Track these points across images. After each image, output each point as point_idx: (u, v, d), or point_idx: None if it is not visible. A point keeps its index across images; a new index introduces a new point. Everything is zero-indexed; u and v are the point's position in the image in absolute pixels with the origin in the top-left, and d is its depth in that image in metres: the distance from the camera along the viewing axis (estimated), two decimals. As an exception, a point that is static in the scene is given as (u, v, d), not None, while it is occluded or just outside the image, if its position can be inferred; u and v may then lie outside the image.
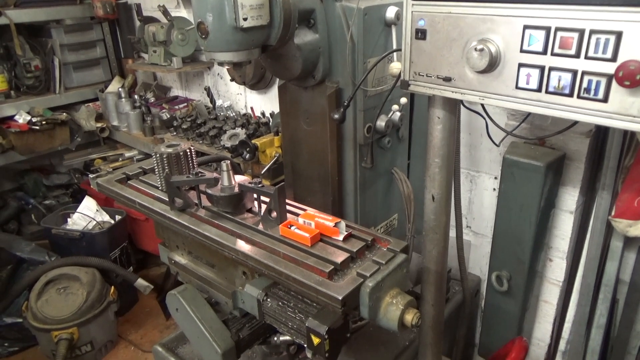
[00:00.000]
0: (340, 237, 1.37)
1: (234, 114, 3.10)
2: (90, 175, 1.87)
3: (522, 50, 1.19)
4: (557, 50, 1.13)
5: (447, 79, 1.37)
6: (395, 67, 1.64)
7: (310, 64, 1.66)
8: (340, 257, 1.29)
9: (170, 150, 1.66)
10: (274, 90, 3.15)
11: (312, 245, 1.34)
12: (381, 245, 1.40)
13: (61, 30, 3.70)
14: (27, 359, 3.08)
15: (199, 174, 1.56)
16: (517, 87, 1.23)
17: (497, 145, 1.91)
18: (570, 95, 1.13)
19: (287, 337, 1.61)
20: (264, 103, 3.19)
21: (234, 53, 1.43)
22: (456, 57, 1.32)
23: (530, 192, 1.82)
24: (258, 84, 3.07)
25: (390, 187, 2.12)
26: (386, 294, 1.26)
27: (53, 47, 3.69)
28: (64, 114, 3.61)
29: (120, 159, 3.72)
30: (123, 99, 3.71)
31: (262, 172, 2.51)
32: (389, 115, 1.88)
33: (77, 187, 4.10)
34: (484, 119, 1.73)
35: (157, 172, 1.69)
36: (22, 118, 3.39)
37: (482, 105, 1.55)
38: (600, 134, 1.82)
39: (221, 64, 1.48)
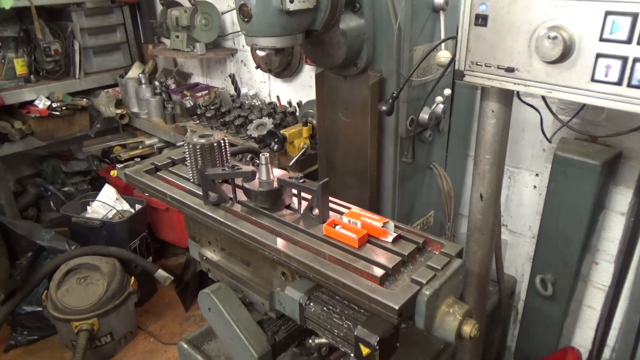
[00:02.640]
0: (389, 239, 1.28)
1: (259, 102, 3.00)
2: (118, 165, 1.78)
3: (601, 39, 1.08)
4: (645, 39, 1.01)
5: (510, 70, 1.26)
6: (443, 55, 1.53)
7: (354, 51, 1.56)
8: (391, 261, 1.19)
9: (203, 140, 1.57)
10: (300, 79, 3.04)
11: (360, 247, 1.25)
12: (433, 249, 1.30)
13: (82, 13, 3.61)
14: (46, 347, 3.05)
15: (235, 167, 1.47)
16: (593, 80, 1.12)
17: (550, 142, 1.79)
18: (660, 89, 1.02)
19: (323, 340, 1.53)
20: (289, 92, 3.09)
21: (278, 38, 1.33)
22: (522, 46, 1.21)
23: (583, 193, 1.71)
24: (284, 71, 2.97)
25: (428, 182, 2.02)
26: (442, 303, 1.16)
27: (73, 31, 3.60)
28: (84, 99, 3.53)
29: (140, 147, 3.65)
30: (143, 85, 3.63)
31: (290, 164, 2.41)
32: (433, 108, 1.78)
33: (95, 174, 4.04)
34: (539, 113, 1.62)
35: (188, 164, 1.60)
36: (42, 103, 3.32)
37: (544, 98, 1.44)
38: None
39: (263, 49, 1.37)
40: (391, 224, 1.30)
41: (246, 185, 1.43)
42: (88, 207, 3.28)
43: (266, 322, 1.51)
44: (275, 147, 2.40)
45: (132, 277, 3.04)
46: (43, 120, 3.33)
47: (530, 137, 2.17)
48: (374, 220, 1.30)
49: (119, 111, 3.73)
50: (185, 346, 1.91)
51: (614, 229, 1.88)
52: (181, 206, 1.55)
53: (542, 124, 1.68)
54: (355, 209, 1.42)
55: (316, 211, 1.36)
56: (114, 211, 3.18)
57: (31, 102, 3.39)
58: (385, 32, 1.57)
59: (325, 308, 1.26)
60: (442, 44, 1.59)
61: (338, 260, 1.21)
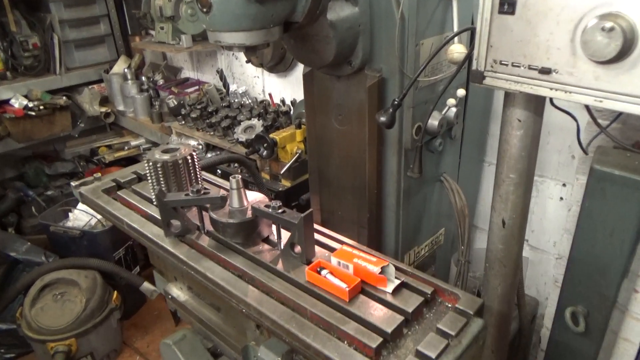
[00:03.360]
0: (389, 289, 1.00)
1: (249, 100, 2.73)
2: (73, 183, 1.52)
3: (678, 31, 0.79)
4: None
5: (545, 71, 0.97)
6: (457, 50, 1.24)
7: (346, 47, 1.27)
8: (390, 322, 0.93)
9: (166, 157, 1.30)
10: (296, 74, 2.75)
11: (351, 301, 0.98)
12: (444, 300, 1.03)
13: (61, 4, 3.33)
14: (24, 366, 2.83)
15: (201, 191, 1.20)
16: (662, 86, 0.83)
17: (587, 153, 1.50)
18: None
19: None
20: (284, 88, 2.80)
21: (247, 33, 1.04)
22: (562, 40, 0.92)
23: (626, 214, 1.42)
24: (277, 65, 2.68)
25: (438, 196, 1.74)
26: (457, 380, 0.89)
27: (52, 23, 3.33)
28: (64, 98, 3.27)
29: (126, 148, 3.39)
30: (129, 81, 3.36)
31: (282, 172, 2.14)
32: (443, 112, 1.49)
33: (82, 176, 3.79)
34: (576, 120, 1.33)
35: (150, 185, 1.34)
36: (17, 102, 3.07)
37: (587, 106, 1.15)
38: None
39: (230, 47, 1.09)
40: (391, 269, 1.02)
41: (214, 215, 1.16)
42: (70, 214, 3.04)
43: (241, 378, 1.25)
44: (265, 153, 2.13)
45: (115, 292, 2.80)
46: (19, 120, 3.08)
47: (556, 141, 1.88)
48: (370, 264, 1.02)
49: (104, 109, 3.47)
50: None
51: (658, 252, 1.59)
52: (139, 237, 1.29)
53: (579, 133, 1.38)
54: (346, 244, 1.15)
55: (298, 249, 1.09)
56: (95, 219, 2.93)
57: (7, 101, 3.14)
58: (385, 23, 1.28)
59: (306, 379, 1.00)
60: (456, 37, 1.29)
61: (322, 320, 0.95)
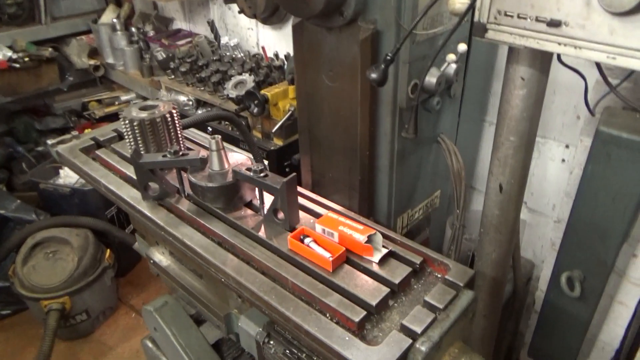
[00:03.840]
0: (376, 258, 0.95)
1: (242, 54, 2.60)
2: (49, 141, 1.45)
3: None
4: None
5: (555, 23, 0.87)
6: (459, 0, 1.13)
7: (337, -5, 1.16)
8: (375, 293, 0.88)
9: (144, 115, 1.22)
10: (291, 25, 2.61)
11: (335, 271, 0.92)
12: (434, 270, 0.97)
13: (43, -53, 3.14)
14: (21, 322, 2.85)
15: (180, 152, 1.12)
16: (685, 41, 0.73)
17: (593, 114, 1.41)
18: None
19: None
20: (279, 41, 2.67)
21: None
22: (575, -12, 0.82)
23: (632, 179, 1.35)
24: (272, 17, 2.53)
25: (435, 157, 1.66)
26: (444, 356, 0.85)
27: (35, -31, 3.15)
28: (50, 49, 3.13)
29: (117, 102, 3.28)
30: (118, 32, 3.21)
31: (274, 130, 2.06)
32: (442, 69, 1.39)
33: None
34: (584, 79, 1.23)
35: (128, 144, 1.26)
36: (1, 54, 2.94)
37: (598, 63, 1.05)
38: None
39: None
40: (378, 237, 0.96)
41: (193, 178, 1.09)
42: (60, 171, 2.98)
43: (226, 344, 1.22)
44: (256, 110, 2.03)
45: (108, 250, 2.78)
46: (4, 73, 2.97)
47: (561, 100, 1.78)
48: (356, 232, 0.96)
49: (92, 62, 3.33)
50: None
51: (661, 218, 1.53)
52: (117, 200, 1.23)
53: (587, 92, 1.29)
54: (332, 210, 1.08)
55: (281, 215, 1.03)
56: (86, 176, 2.87)
57: (-9, 53, 3.01)
58: (381, -32, 1.16)
59: (288, 351, 0.96)
60: (458, -16, 1.18)
61: (304, 292, 0.90)
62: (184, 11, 3.30)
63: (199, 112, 2.47)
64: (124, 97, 3.29)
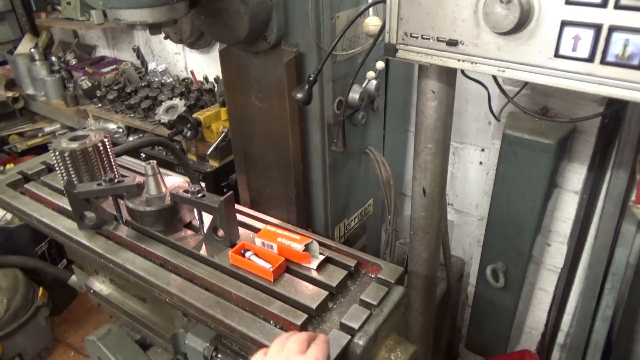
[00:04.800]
0: (313, 265, 1.01)
1: (171, 79, 2.60)
2: (-27, 179, 1.40)
3: (568, 2, 0.82)
4: (624, 1, 0.76)
5: (452, 43, 0.99)
6: (372, 23, 1.23)
7: (259, 22, 1.23)
8: (315, 297, 0.94)
9: (74, 145, 1.22)
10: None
11: (276, 280, 0.98)
12: (368, 271, 1.05)
13: (-52, -23, 3.00)
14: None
15: (115, 180, 1.14)
16: (557, 55, 0.87)
17: (498, 120, 1.56)
18: (642, 66, 0.79)
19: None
20: (207, 65, 2.70)
21: (149, 10, 0.98)
22: (466, 12, 0.94)
23: (536, 175, 1.51)
24: (198, 41, 2.57)
25: (365, 168, 1.77)
26: (381, 347, 0.92)
27: (-60, 0, 2.99)
28: (-39, 83, 2.97)
29: (40, 135, 3.15)
30: (37, 62, 3.09)
31: (209, 153, 2.08)
32: (364, 85, 1.49)
33: (-7, 167, 3.50)
34: (486, 89, 1.38)
35: (59, 176, 1.25)
36: None
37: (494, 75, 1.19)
38: (615, 100, 1.51)
39: (132, 26, 1.02)
40: (315, 245, 1.03)
41: (130, 204, 1.11)
42: (-19, 210, 2.81)
43: (175, 366, 1.23)
44: (189, 133, 2.05)
45: (41, 288, 2.65)
46: None
47: (474, 109, 1.95)
48: (294, 242, 1.02)
49: (10, 94, 3.19)
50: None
51: (566, 208, 1.71)
52: (51, 232, 1.21)
53: (490, 101, 1.44)
54: (271, 224, 1.14)
55: (221, 232, 1.07)
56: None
57: None
58: (299, -4, 1.25)
59: (236, 362, 1.00)
60: (370, 9, 1.29)
61: (247, 303, 0.94)
62: (106, 38, 3.25)
63: (130, 139, 2.44)
64: (48, 129, 3.16)
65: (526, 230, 1.63)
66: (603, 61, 0.82)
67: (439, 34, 1.00)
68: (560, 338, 1.89)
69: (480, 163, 2.05)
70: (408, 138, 2.18)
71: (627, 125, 1.51)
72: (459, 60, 1.00)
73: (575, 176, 1.65)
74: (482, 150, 2.02)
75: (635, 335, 1.93)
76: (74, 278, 2.74)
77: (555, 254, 1.81)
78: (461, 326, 2.33)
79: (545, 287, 1.89)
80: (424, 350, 1.67)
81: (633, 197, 1.47)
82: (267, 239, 1.04)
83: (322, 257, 1.02)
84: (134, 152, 2.22)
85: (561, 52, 0.86)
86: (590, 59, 0.83)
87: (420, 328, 1.62)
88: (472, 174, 2.10)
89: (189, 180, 1.51)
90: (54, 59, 3.13)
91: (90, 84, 2.56)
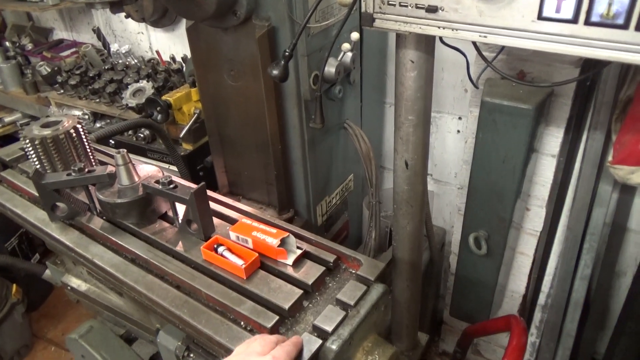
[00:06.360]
0: (290, 261, 0.96)
1: (135, 60, 2.49)
2: None
3: (551, -39, 0.79)
4: (609, -43, 0.74)
5: (432, 9, 0.95)
6: (346, -8, 1.18)
7: (228, -5, 1.17)
8: (289, 296, 0.88)
9: (46, 132, 1.15)
10: (184, 26, 2.55)
11: (249, 278, 0.93)
12: (348, 266, 1.00)
13: None
14: None
15: (86, 169, 1.08)
16: (540, 18, 0.84)
17: (477, 87, 1.55)
18: (625, 26, 0.77)
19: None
20: (173, 44, 2.59)
21: (107, -14, 0.91)
22: (446, -25, 0.90)
23: (516, 140, 1.51)
24: (162, 19, 2.46)
25: (344, 143, 1.74)
26: (358, 350, 0.90)
27: None
28: None
29: (1, 125, 3.00)
30: (-10, 49, 2.92)
31: (181, 136, 2.01)
32: (340, 58, 1.45)
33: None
34: (465, 56, 1.35)
35: (32, 164, 1.19)
36: None
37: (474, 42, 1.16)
38: (592, 62, 1.51)
39: (91, 4, 0.95)
40: (291, 240, 0.98)
41: (101, 196, 1.06)
42: (-57, 208, 2.67)
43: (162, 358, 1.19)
44: (159, 117, 1.97)
45: (14, 285, 2.56)
46: None
47: (450, 77, 1.93)
48: (269, 236, 0.97)
49: (-36, 83, 3.01)
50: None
51: (544, 172, 1.72)
52: (24, 223, 1.16)
53: (469, 68, 1.42)
54: (246, 216, 1.09)
55: (194, 226, 1.02)
56: (-24, 210, 2.61)
57: None
58: (268, -35, 1.19)
59: (209, 361, 0.97)
60: (343, -23, 1.23)
61: (217, 302, 0.90)
62: (63, 20, 3.08)
63: (97, 125, 2.34)
64: (8, 119, 3.01)
65: (507, 196, 1.64)
66: (587, 21, 0.80)
67: (418, 0, 0.96)
68: (542, 299, 1.93)
69: (458, 132, 2.05)
70: (385, 110, 2.15)
71: (603, 86, 1.52)
72: (439, 27, 0.97)
73: (553, 140, 1.65)
74: (460, 118, 2.01)
75: (612, 291, 1.99)
76: (48, 272, 2.66)
77: (534, 218, 1.83)
78: (444, 294, 2.37)
79: (526, 251, 1.92)
80: (412, 323, 1.68)
81: (610, 158, 1.49)
82: (242, 232, 0.99)
83: (299, 252, 0.97)
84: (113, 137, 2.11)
85: (544, 14, 0.83)
86: (574, 20, 0.81)
87: (407, 301, 1.62)
88: (450, 143, 2.09)
89: (163, 169, 1.45)
90: (8, 44, 2.95)
91: (49, 70, 2.43)
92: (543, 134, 1.65)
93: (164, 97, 1.97)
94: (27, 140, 1.15)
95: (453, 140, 2.08)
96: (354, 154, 1.73)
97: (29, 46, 2.99)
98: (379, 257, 1.90)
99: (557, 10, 0.81)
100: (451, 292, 2.08)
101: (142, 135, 2.10)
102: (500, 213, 1.68)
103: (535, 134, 1.57)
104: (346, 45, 1.43)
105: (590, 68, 1.37)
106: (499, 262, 1.80)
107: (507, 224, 1.70)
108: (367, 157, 1.68)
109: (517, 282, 2.01)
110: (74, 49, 2.91)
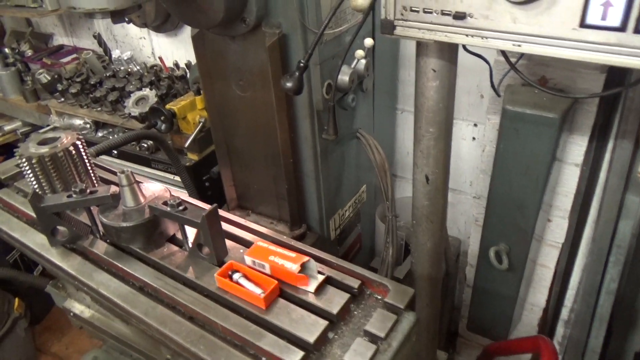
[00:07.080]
0: (311, 288, 0.88)
1: (137, 67, 2.42)
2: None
3: (597, -37, 0.72)
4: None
5: (460, 16, 0.88)
6: (361, -3, 1.11)
7: (236, 2, 1.09)
8: (313, 328, 0.80)
9: (44, 150, 1.08)
10: (187, 31, 2.48)
11: (269, 308, 0.85)
12: (374, 292, 0.92)
13: None
14: None
15: (87, 190, 1.00)
16: (582, 25, 0.77)
17: (499, 95, 1.47)
18: (682, 34, 0.69)
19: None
20: (177, 49, 2.52)
21: (108, -5, 0.83)
22: (476, -21, 0.83)
23: (540, 151, 1.43)
24: (164, 24, 2.39)
25: (355, 153, 1.66)
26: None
27: None
28: None
29: (0, 134, 2.94)
30: (-11, 56, 2.86)
31: (186, 145, 1.94)
32: (353, 65, 1.37)
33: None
34: (488, 63, 1.27)
35: (29, 183, 1.12)
36: None
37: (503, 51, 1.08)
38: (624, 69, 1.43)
39: (90, 14, 0.88)
40: (312, 264, 0.90)
41: (104, 219, 0.98)
42: (-57, 220, 2.61)
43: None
44: (163, 126, 1.90)
45: (17, 298, 2.50)
46: None
47: (465, 82, 1.85)
48: (288, 261, 0.89)
49: (-38, 92, 2.94)
50: None
51: (567, 182, 1.64)
52: (22, 248, 1.08)
53: (492, 75, 1.34)
54: (262, 241, 1.00)
55: (206, 250, 0.95)
56: (-24, 222, 2.54)
57: None
58: (278, -30, 1.11)
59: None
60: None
61: (236, 336, 0.82)
62: (63, 25, 3.02)
63: (99, 135, 2.28)
64: (8, 127, 2.94)
65: (528, 208, 1.56)
66: (637, 30, 0.72)
67: (444, 6, 0.88)
68: (564, 314, 1.85)
69: (474, 139, 1.97)
70: (396, 116, 2.07)
71: (631, 93, 1.44)
72: (467, 35, 0.89)
73: (576, 148, 1.57)
74: (475, 125, 1.93)
75: (638, 304, 1.91)
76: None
77: (556, 229, 1.75)
78: (460, 305, 2.29)
79: (547, 263, 1.84)
80: (431, 342, 1.61)
81: (639, 168, 1.41)
82: (259, 257, 0.91)
83: (321, 278, 0.89)
84: (115, 149, 2.04)
85: (588, 21, 0.76)
86: (622, 28, 0.74)
87: (426, 320, 1.55)
88: (465, 151, 2.01)
89: (177, 179, 1.38)
90: (7, 50, 2.89)
91: (49, 77, 2.36)
92: (566, 143, 1.57)
93: (168, 106, 1.90)
94: (24, 159, 1.08)
95: (468, 148, 2.00)
96: (366, 163, 1.66)
97: (29, 52, 2.92)
98: (395, 271, 1.82)
99: (603, 18, 0.74)
100: (468, 304, 2.01)
101: (145, 145, 2.03)
102: (521, 225, 1.61)
103: (559, 142, 1.49)
104: (360, 52, 1.35)
105: (625, 76, 1.29)
106: (520, 276, 1.72)
107: (529, 237, 1.62)
108: (382, 169, 1.60)
109: (538, 295, 1.93)
110: (74, 55, 2.85)
